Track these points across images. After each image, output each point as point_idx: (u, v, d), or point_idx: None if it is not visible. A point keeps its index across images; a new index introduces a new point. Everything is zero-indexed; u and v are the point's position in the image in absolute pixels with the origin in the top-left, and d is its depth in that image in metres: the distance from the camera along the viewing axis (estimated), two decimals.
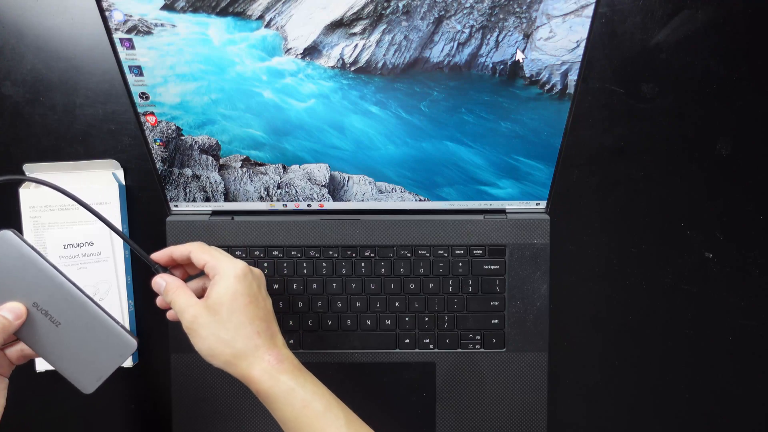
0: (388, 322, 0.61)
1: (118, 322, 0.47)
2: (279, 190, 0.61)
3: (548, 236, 0.61)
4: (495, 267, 0.61)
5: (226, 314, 0.47)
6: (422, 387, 0.61)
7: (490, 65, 0.54)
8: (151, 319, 0.64)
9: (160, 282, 0.49)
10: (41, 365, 0.62)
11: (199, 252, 0.49)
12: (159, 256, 0.51)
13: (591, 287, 0.64)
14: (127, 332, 0.47)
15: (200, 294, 0.51)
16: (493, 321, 0.61)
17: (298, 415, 0.46)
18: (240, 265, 0.49)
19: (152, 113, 0.56)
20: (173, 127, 0.57)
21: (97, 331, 0.46)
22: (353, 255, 0.61)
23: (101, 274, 0.62)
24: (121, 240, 0.62)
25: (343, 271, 0.61)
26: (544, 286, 0.61)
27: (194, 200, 0.61)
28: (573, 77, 0.54)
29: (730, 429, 0.65)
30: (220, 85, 0.55)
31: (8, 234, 0.44)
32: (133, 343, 0.47)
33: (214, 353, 0.47)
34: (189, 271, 0.53)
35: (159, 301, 0.52)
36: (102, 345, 0.46)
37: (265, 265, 0.61)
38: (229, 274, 0.47)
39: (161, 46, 0.52)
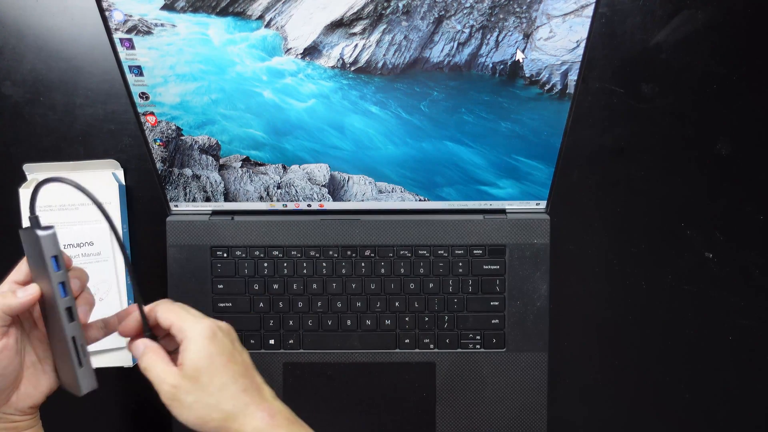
0: (388, 322, 0.61)
1: (83, 359, 0.45)
2: (279, 190, 0.61)
3: (548, 236, 0.61)
4: (495, 267, 0.61)
5: (206, 378, 0.44)
6: (422, 387, 0.61)
7: (490, 65, 0.54)
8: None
9: (139, 346, 0.46)
10: None
11: (164, 312, 0.46)
12: (131, 323, 0.47)
13: (591, 287, 0.64)
14: (85, 374, 0.45)
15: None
16: (493, 321, 0.61)
17: None
18: (206, 324, 0.45)
19: (152, 113, 0.56)
20: (173, 127, 0.57)
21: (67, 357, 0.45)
22: (353, 255, 0.61)
23: (101, 274, 0.62)
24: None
25: (343, 271, 0.61)
26: (544, 286, 0.61)
27: (194, 200, 0.61)
28: (573, 77, 0.54)
29: (730, 429, 0.65)
30: (220, 85, 0.55)
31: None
32: (80, 390, 0.45)
33: (204, 420, 0.44)
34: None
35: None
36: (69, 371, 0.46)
37: (265, 265, 0.61)
38: (198, 337, 0.44)
39: (161, 46, 0.52)
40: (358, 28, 0.52)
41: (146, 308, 0.47)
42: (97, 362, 0.62)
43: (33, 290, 0.44)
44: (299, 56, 0.54)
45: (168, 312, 0.46)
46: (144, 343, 0.46)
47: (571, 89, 0.54)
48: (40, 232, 0.43)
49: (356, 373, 0.61)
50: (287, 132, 0.57)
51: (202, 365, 0.44)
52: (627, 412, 0.65)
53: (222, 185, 0.60)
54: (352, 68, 0.54)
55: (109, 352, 0.63)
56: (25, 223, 0.61)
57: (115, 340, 0.62)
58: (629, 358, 0.64)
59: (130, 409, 0.65)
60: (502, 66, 0.54)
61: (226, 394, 0.44)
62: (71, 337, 0.44)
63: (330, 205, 0.62)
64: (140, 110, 0.56)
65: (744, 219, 0.63)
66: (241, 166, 0.59)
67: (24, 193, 0.61)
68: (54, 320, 0.45)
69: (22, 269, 0.46)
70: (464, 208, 0.62)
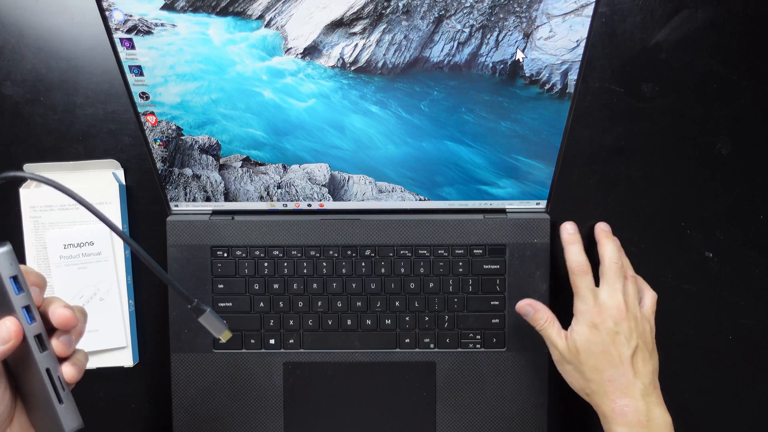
0: (388, 321, 0.61)
1: (62, 394, 0.39)
2: (279, 190, 0.61)
3: (548, 236, 0.61)
4: (495, 267, 0.61)
5: (583, 357, 0.53)
6: (422, 387, 0.61)
7: (490, 65, 0.54)
8: (151, 319, 0.64)
9: (529, 310, 0.56)
10: None
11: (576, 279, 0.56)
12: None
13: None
14: (68, 411, 0.39)
15: None
16: (493, 320, 0.61)
17: None
18: (592, 316, 0.54)
19: (152, 113, 0.56)
20: (173, 127, 0.57)
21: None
22: (353, 255, 0.61)
23: (101, 274, 0.62)
24: (121, 240, 0.62)
25: (344, 270, 0.61)
26: (544, 286, 0.61)
27: (194, 200, 0.61)
28: (573, 77, 0.54)
29: (730, 429, 0.65)
30: (220, 84, 0.55)
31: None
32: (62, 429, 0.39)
33: (575, 386, 0.55)
34: None
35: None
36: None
37: (266, 264, 0.61)
38: (583, 323, 0.54)
39: (161, 45, 0.52)
40: (358, 28, 0.52)
41: (606, 247, 0.57)
42: (98, 362, 0.62)
43: (10, 329, 0.37)
44: (299, 56, 0.54)
45: (578, 287, 0.55)
46: (545, 311, 0.56)
47: (571, 89, 0.54)
48: None
49: (356, 373, 0.61)
50: (287, 132, 0.57)
51: (581, 348, 0.53)
52: None
53: (222, 185, 0.60)
54: (352, 68, 0.54)
55: (110, 352, 0.62)
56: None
57: (115, 339, 0.62)
58: None
59: (130, 409, 0.65)
60: (502, 65, 0.54)
61: (593, 376, 0.52)
62: (45, 369, 0.38)
63: (330, 204, 0.62)
64: (140, 110, 0.56)
65: (744, 219, 0.63)
66: (242, 166, 0.59)
67: (24, 193, 0.61)
68: (19, 355, 0.38)
69: None
70: (464, 207, 0.62)
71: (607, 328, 0.52)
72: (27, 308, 0.37)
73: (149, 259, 0.41)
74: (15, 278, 0.37)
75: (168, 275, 0.44)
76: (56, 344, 0.39)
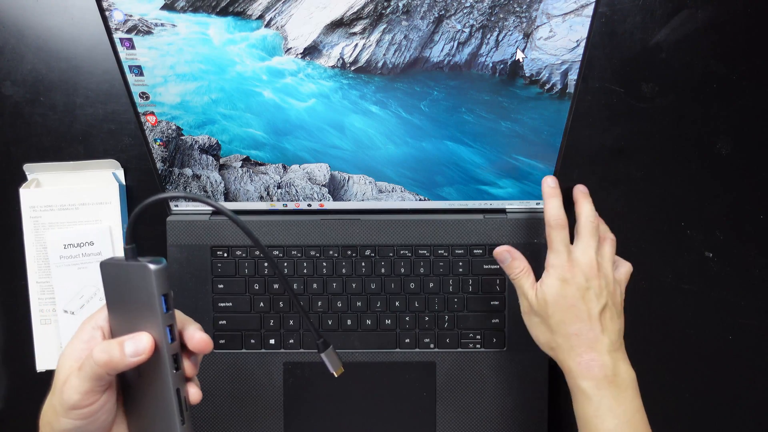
0: (388, 321, 0.61)
1: (185, 414, 0.39)
2: (279, 190, 0.61)
3: None
4: (495, 266, 0.61)
5: (550, 310, 0.52)
6: (422, 387, 0.61)
7: (490, 65, 0.54)
8: None
9: (506, 256, 0.55)
10: (41, 365, 0.62)
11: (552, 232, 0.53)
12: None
13: None
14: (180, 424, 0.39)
15: None
16: (493, 320, 0.61)
17: None
18: (564, 269, 0.52)
19: (152, 113, 0.56)
20: (173, 127, 0.57)
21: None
22: (353, 255, 0.61)
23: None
24: (121, 240, 0.62)
25: (344, 270, 0.61)
26: None
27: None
28: (573, 77, 0.54)
29: (731, 429, 0.65)
30: (220, 84, 0.55)
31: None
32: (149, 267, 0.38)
33: (539, 340, 0.54)
34: None
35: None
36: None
37: (266, 264, 0.61)
38: (554, 276, 0.52)
39: (161, 45, 0.52)
40: (358, 28, 0.52)
41: (584, 206, 0.56)
42: None
43: (146, 344, 0.37)
44: (299, 56, 0.54)
45: (553, 240, 0.53)
46: (522, 260, 0.55)
47: (571, 89, 0.54)
48: (152, 266, 0.37)
49: (356, 373, 0.61)
50: (287, 132, 0.57)
51: (550, 300, 0.52)
52: None
53: (222, 185, 0.60)
54: (352, 68, 0.54)
55: None
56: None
57: None
58: (629, 357, 0.64)
59: None
60: (502, 65, 0.54)
61: (559, 330, 0.51)
62: (175, 388, 0.38)
63: (330, 204, 0.62)
64: (140, 110, 0.56)
65: (744, 219, 0.63)
66: (242, 166, 0.59)
67: (24, 193, 0.61)
68: (149, 370, 0.38)
69: (104, 313, 0.40)
70: (464, 207, 0.62)
71: (578, 283, 0.51)
72: (170, 327, 0.38)
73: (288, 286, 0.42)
74: (166, 296, 0.37)
75: (302, 305, 0.46)
76: (187, 365, 0.40)
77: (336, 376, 0.49)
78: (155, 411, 0.39)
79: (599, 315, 0.51)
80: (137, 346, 0.37)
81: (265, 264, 0.61)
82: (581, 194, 0.57)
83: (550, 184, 0.56)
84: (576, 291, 0.51)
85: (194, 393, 0.40)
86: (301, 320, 0.61)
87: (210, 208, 0.62)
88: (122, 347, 0.37)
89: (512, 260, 0.55)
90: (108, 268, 0.38)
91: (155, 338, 0.37)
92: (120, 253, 0.62)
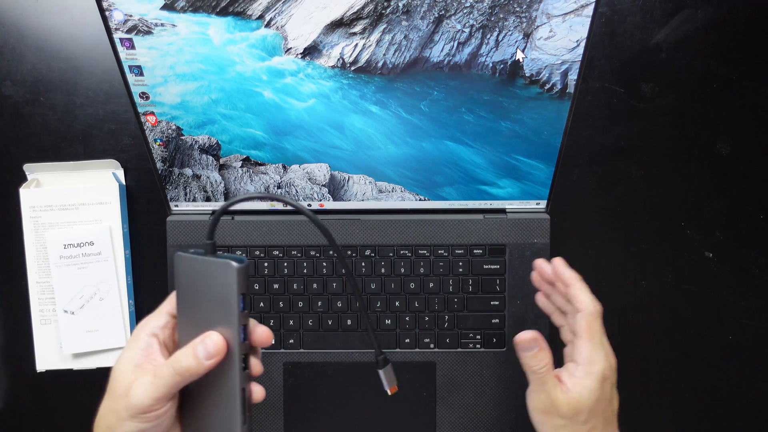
0: (388, 321, 0.61)
1: (246, 416, 0.39)
2: (279, 190, 0.61)
3: (548, 236, 0.61)
4: (495, 267, 0.61)
5: (584, 417, 0.45)
6: (422, 387, 0.61)
7: (490, 65, 0.54)
8: None
9: (533, 345, 0.46)
10: (41, 365, 0.62)
11: (584, 320, 0.46)
12: (543, 265, 0.49)
13: (591, 287, 0.64)
14: (243, 416, 0.38)
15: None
16: (493, 321, 0.61)
17: None
18: (605, 365, 0.45)
19: (152, 113, 0.56)
20: (173, 127, 0.57)
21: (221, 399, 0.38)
22: (353, 255, 0.61)
23: (101, 274, 0.62)
24: (121, 240, 0.62)
25: (344, 270, 0.61)
26: None
27: (194, 200, 0.61)
28: (573, 77, 0.54)
29: (730, 429, 0.65)
30: (220, 84, 0.55)
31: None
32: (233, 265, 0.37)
33: None
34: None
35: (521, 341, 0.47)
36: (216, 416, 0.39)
37: (266, 264, 0.61)
38: (596, 376, 0.45)
39: (161, 45, 0.52)
40: (358, 28, 0.52)
41: (583, 293, 0.46)
42: (98, 362, 0.62)
43: (219, 346, 0.37)
44: (299, 56, 0.54)
45: (588, 324, 0.46)
46: (548, 353, 0.47)
47: (571, 89, 0.54)
48: (235, 264, 0.36)
49: (356, 373, 0.61)
50: (287, 132, 0.57)
51: (587, 406, 0.44)
52: (626, 411, 0.65)
53: (222, 185, 0.60)
54: (352, 68, 0.54)
55: (110, 352, 0.62)
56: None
57: (115, 339, 0.62)
58: (629, 357, 0.64)
59: None
60: (502, 65, 0.54)
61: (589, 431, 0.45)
62: (241, 388, 0.38)
63: (330, 204, 0.62)
64: (140, 110, 0.56)
65: (744, 219, 0.63)
66: (242, 166, 0.59)
67: (24, 193, 0.61)
68: (216, 369, 0.37)
69: (158, 319, 0.40)
70: (464, 207, 0.62)
71: (612, 382, 0.46)
72: (244, 326, 0.37)
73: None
74: (244, 296, 0.37)
75: (370, 321, 0.44)
76: (255, 363, 0.40)
77: (390, 393, 0.48)
78: (217, 411, 0.38)
79: (617, 413, 0.48)
80: (209, 348, 0.37)
81: (265, 264, 0.61)
82: (572, 276, 0.49)
83: (566, 267, 0.49)
84: (610, 389, 0.46)
85: (258, 391, 0.40)
86: (301, 320, 0.61)
87: (208, 208, 0.62)
88: (195, 353, 0.37)
89: (539, 350, 0.47)
90: (184, 261, 0.37)
91: (226, 337, 0.37)
92: (120, 253, 0.62)
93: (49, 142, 0.63)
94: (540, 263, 0.51)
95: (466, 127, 0.57)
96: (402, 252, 0.61)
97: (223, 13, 0.52)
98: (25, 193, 0.61)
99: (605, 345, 0.46)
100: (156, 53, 0.53)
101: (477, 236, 0.61)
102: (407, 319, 0.61)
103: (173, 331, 0.42)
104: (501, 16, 0.51)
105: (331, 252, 0.61)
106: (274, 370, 0.61)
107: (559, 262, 0.49)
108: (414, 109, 0.56)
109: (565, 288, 0.49)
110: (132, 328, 0.63)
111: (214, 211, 0.62)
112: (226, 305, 0.36)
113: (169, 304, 0.42)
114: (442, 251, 0.61)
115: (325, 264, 0.61)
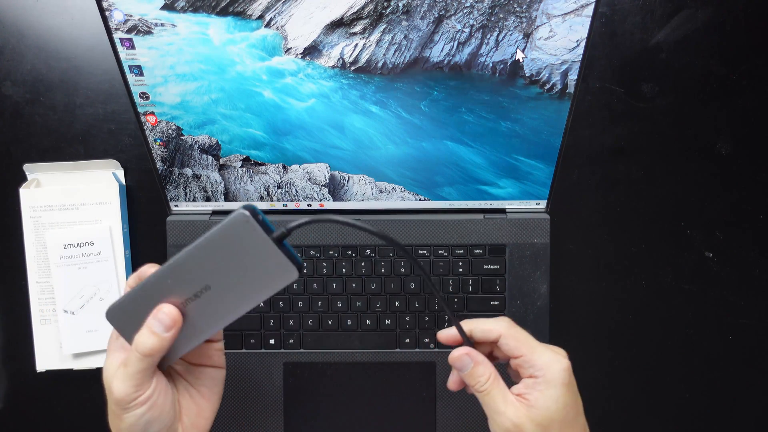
0: (388, 321, 0.61)
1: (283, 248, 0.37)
2: (279, 190, 0.61)
3: (548, 236, 0.61)
4: (495, 267, 0.61)
5: (555, 430, 0.39)
6: (422, 387, 0.61)
7: (490, 65, 0.54)
8: None
9: (467, 361, 0.41)
10: (41, 365, 0.62)
11: (512, 339, 0.41)
12: (449, 332, 0.43)
13: (591, 287, 0.64)
14: (290, 258, 0.37)
15: None
16: None
17: None
18: (563, 366, 0.40)
19: (152, 113, 0.56)
20: (173, 127, 0.57)
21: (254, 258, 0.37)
22: (353, 255, 0.61)
23: (101, 274, 0.62)
24: (121, 240, 0.62)
25: (344, 270, 0.61)
26: (544, 286, 0.61)
27: (194, 200, 0.61)
28: (573, 77, 0.54)
29: (730, 429, 0.65)
30: (220, 84, 0.55)
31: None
32: (294, 272, 0.37)
33: None
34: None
35: (452, 382, 0.44)
36: (261, 268, 0.37)
37: None
38: (557, 383, 0.39)
39: (161, 45, 0.52)
40: (358, 28, 0.52)
41: (484, 324, 0.41)
42: (98, 362, 0.62)
43: (174, 317, 0.38)
44: (299, 56, 0.54)
45: (516, 340, 0.41)
46: (473, 357, 0.41)
47: (571, 89, 0.54)
48: (295, 272, 0.36)
49: (357, 373, 0.61)
50: (287, 132, 0.57)
51: (557, 417, 0.39)
52: (626, 411, 0.65)
53: (222, 185, 0.60)
54: (352, 68, 0.54)
55: None
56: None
57: None
58: (629, 357, 0.64)
59: None
60: (502, 65, 0.54)
61: None
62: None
63: (330, 204, 0.62)
64: (140, 110, 0.56)
65: (744, 219, 0.63)
66: (242, 166, 0.59)
67: (24, 193, 0.61)
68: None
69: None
70: (464, 207, 0.62)
71: (575, 388, 0.41)
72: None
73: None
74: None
75: (456, 317, 0.42)
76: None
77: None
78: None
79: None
80: (164, 321, 0.37)
81: None
82: (463, 328, 0.43)
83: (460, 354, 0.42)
84: (577, 396, 0.41)
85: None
86: (301, 320, 0.61)
87: (208, 208, 0.62)
88: (153, 330, 0.37)
89: (475, 366, 0.41)
90: (247, 231, 0.35)
91: (176, 304, 0.37)
92: (120, 253, 0.62)
93: (49, 142, 0.63)
94: (444, 339, 0.44)
95: (466, 127, 0.57)
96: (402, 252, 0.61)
97: (223, 13, 0.52)
98: (25, 193, 0.61)
99: (548, 346, 0.42)
100: (156, 53, 0.53)
101: (477, 236, 0.61)
102: (407, 319, 0.61)
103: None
104: (501, 16, 0.51)
105: (331, 252, 0.61)
106: (274, 370, 0.61)
107: (445, 332, 0.44)
108: (414, 109, 0.56)
109: (469, 337, 0.43)
110: None
111: (214, 211, 0.62)
112: (252, 291, 0.36)
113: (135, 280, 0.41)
114: (442, 251, 0.61)
115: (324, 264, 0.61)
